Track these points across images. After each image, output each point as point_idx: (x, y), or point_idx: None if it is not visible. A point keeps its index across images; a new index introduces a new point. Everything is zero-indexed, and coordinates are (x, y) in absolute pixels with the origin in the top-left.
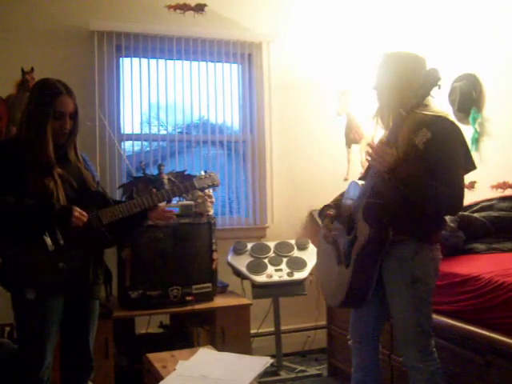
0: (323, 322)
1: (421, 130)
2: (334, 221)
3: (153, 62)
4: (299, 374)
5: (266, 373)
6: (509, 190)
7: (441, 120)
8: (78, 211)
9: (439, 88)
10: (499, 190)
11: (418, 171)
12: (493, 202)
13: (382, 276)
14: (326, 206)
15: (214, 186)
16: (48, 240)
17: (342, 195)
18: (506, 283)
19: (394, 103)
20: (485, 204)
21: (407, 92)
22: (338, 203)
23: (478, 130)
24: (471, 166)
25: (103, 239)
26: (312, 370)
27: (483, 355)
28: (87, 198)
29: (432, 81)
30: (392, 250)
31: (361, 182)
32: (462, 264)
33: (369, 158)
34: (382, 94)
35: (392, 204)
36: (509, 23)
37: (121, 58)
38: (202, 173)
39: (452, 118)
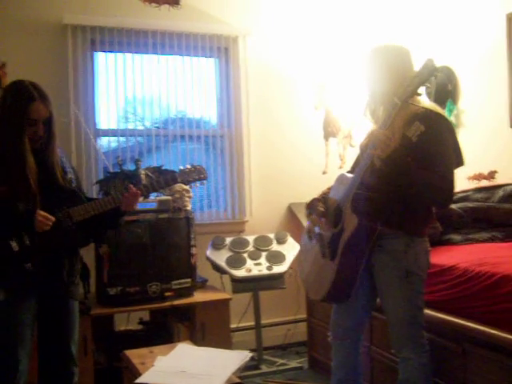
0: (303, 316)
1: (414, 123)
2: (321, 214)
3: (128, 56)
4: (280, 368)
5: (246, 367)
6: (484, 181)
7: (434, 114)
8: (41, 215)
9: (435, 78)
10: (475, 181)
11: (410, 163)
12: (468, 193)
13: (371, 271)
14: (315, 200)
15: (201, 179)
16: (13, 241)
17: (329, 188)
18: (481, 273)
19: (387, 94)
20: (461, 195)
21: (401, 82)
22: (325, 196)
23: (454, 121)
24: (461, 162)
25: (75, 238)
26: (293, 363)
27: (460, 343)
28: (57, 196)
29: (429, 70)
30: (383, 243)
31: (350, 175)
32: (438, 255)
33: (370, 145)
34: (374, 88)
35: (382, 197)
36: (484, 16)
37: (95, 53)
38: (188, 166)
39: (444, 112)
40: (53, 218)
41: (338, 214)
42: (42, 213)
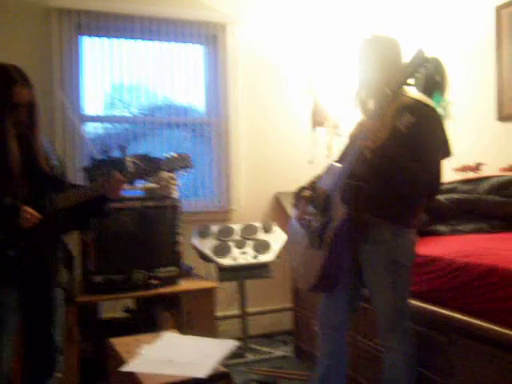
0: (289, 304)
1: (404, 114)
2: (309, 203)
3: (115, 41)
4: (265, 356)
5: (232, 355)
6: (470, 172)
7: (424, 106)
8: (28, 212)
9: (425, 69)
10: (461, 172)
11: (401, 153)
12: (455, 185)
13: (358, 260)
14: (302, 188)
15: (186, 167)
16: None
17: (318, 178)
18: (467, 264)
19: (378, 85)
20: (448, 186)
21: (393, 72)
22: (313, 185)
23: (442, 113)
24: (449, 153)
25: (59, 225)
26: (278, 352)
27: (445, 334)
28: (41, 183)
29: (419, 60)
30: (370, 233)
31: (339, 165)
32: (425, 245)
33: (361, 136)
34: (365, 78)
35: (371, 187)
36: (473, 8)
37: (81, 37)
38: (174, 154)
39: (433, 104)
40: (39, 216)
41: (326, 203)
42: (29, 210)
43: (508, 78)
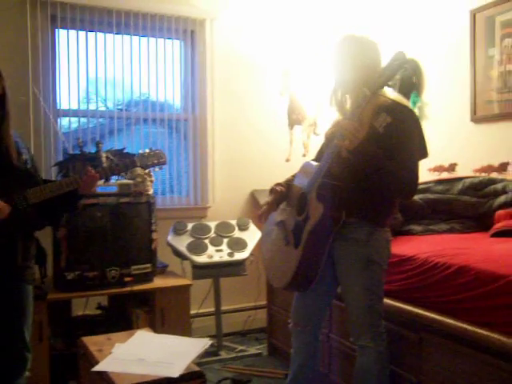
0: (263, 302)
1: (381, 114)
2: (281, 200)
3: (91, 34)
4: (239, 354)
5: (205, 353)
6: (444, 173)
7: (401, 106)
8: None
9: (405, 70)
10: (436, 173)
11: (378, 154)
12: (429, 185)
13: (332, 259)
14: (277, 184)
15: (160, 164)
16: None
17: (294, 176)
18: (439, 263)
19: (355, 85)
20: (422, 186)
21: (371, 72)
22: (289, 183)
23: (417, 113)
24: (425, 154)
25: (30, 220)
26: (252, 350)
27: (417, 332)
28: (11, 177)
29: (399, 62)
30: (345, 232)
31: (315, 163)
32: (399, 245)
33: (338, 136)
34: (342, 77)
35: (347, 186)
36: (449, 11)
37: (56, 29)
38: (147, 150)
39: (410, 105)
40: (8, 208)
41: (302, 201)
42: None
43: (482, 81)
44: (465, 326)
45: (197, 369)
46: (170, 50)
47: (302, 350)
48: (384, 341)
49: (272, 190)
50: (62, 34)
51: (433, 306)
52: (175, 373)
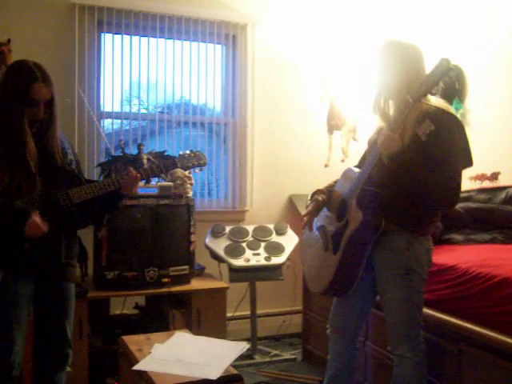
0: (299, 307)
1: (424, 122)
2: (322, 207)
3: (135, 39)
4: (273, 358)
5: (240, 356)
6: (486, 181)
7: (445, 113)
8: (34, 223)
9: (449, 78)
10: (477, 181)
11: (419, 162)
12: (471, 194)
13: (372, 266)
14: (318, 191)
15: (200, 165)
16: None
17: (335, 182)
18: (481, 274)
19: (398, 91)
20: (464, 195)
21: (414, 77)
22: (330, 189)
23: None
24: (469, 162)
25: (74, 219)
26: (286, 355)
27: (456, 344)
28: (56, 177)
29: (443, 69)
30: (386, 240)
31: (357, 170)
32: (439, 254)
33: (380, 144)
34: (385, 83)
35: (388, 193)
36: (494, 17)
37: (102, 34)
38: (187, 151)
39: (455, 112)
40: (45, 229)
41: (342, 207)
42: (37, 221)
43: None
44: (505, 338)
45: (235, 372)
46: (212, 54)
47: (339, 357)
48: (422, 351)
49: (313, 199)
50: (107, 39)
51: (473, 318)
52: (214, 375)
